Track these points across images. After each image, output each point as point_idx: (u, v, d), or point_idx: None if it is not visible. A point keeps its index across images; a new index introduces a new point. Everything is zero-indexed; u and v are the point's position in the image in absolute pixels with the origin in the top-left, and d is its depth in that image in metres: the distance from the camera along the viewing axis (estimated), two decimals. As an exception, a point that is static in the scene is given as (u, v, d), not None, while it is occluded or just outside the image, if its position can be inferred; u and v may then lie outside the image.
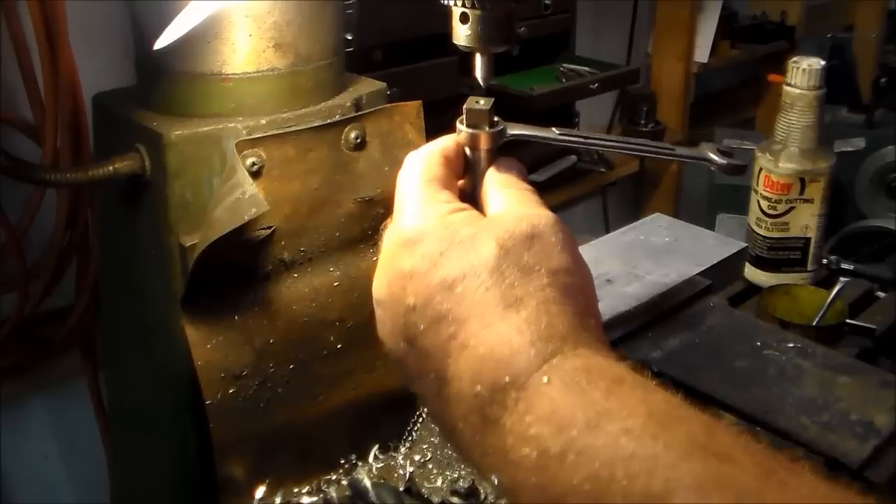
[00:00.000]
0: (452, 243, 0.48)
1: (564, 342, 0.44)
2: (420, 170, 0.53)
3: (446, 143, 0.55)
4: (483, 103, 0.54)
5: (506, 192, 0.53)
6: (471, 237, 0.48)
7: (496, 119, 0.55)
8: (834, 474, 0.63)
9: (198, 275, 0.64)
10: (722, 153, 0.65)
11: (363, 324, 0.71)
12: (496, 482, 0.44)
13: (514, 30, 0.56)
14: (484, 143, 0.54)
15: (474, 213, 0.51)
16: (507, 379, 0.43)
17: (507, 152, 0.56)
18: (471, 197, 0.55)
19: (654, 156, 0.67)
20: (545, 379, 0.43)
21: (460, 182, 0.55)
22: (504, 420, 0.43)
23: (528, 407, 0.42)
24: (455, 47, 0.57)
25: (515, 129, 0.56)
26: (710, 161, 0.66)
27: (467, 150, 0.55)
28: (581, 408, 0.41)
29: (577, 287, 0.48)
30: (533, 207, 0.51)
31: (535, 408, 0.42)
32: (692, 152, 0.67)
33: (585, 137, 0.62)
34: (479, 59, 0.56)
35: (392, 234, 0.51)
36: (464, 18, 0.54)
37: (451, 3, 0.54)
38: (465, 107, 0.54)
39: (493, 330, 0.45)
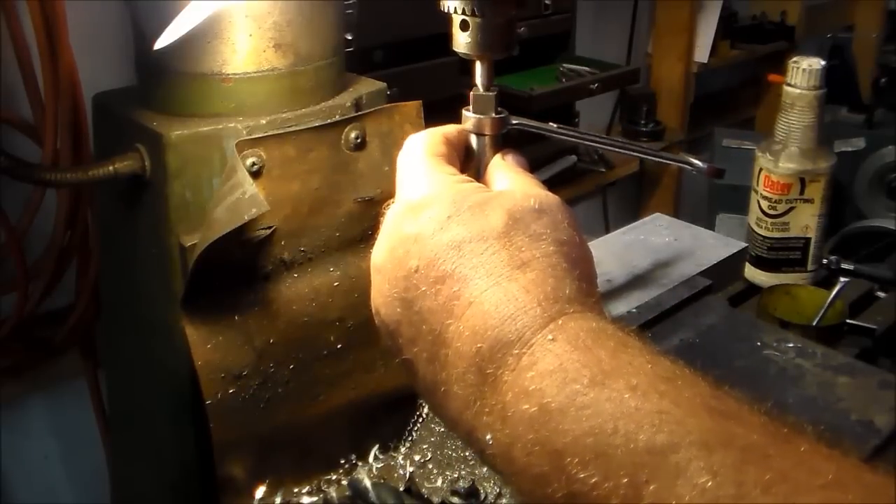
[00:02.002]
0: (461, 209, 0.48)
1: (571, 304, 0.44)
2: (424, 146, 0.53)
3: (447, 127, 0.56)
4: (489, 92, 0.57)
5: (512, 174, 0.54)
6: (480, 204, 0.48)
7: (500, 108, 0.57)
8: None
9: (198, 275, 0.64)
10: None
11: (363, 324, 0.71)
12: (489, 440, 0.43)
13: (514, 37, 0.56)
14: (489, 129, 0.56)
15: (482, 185, 0.52)
16: (511, 336, 0.43)
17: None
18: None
19: (642, 156, 0.71)
20: (550, 337, 0.42)
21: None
22: (505, 376, 0.42)
23: (531, 362, 0.42)
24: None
25: (516, 120, 0.58)
26: (692, 165, 0.71)
27: (473, 138, 0.57)
28: (586, 365, 0.41)
29: (582, 259, 0.48)
30: (540, 188, 0.52)
31: (539, 363, 0.42)
32: (675, 156, 0.74)
33: (580, 133, 0.67)
34: (479, 67, 0.56)
35: (397, 204, 0.51)
36: (464, 26, 0.54)
37: (452, 10, 0.54)
38: (471, 93, 0.56)
39: (500, 288, 0.44)
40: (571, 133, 0.65)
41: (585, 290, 0.46)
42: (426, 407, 0.78)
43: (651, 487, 0.36)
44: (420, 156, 0.53)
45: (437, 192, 0.50)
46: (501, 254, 0.46)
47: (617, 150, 0.70)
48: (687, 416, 0.38)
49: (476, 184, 0.52)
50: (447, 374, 0.46)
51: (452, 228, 0.47)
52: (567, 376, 0.40)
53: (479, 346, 0.44)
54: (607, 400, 0.39)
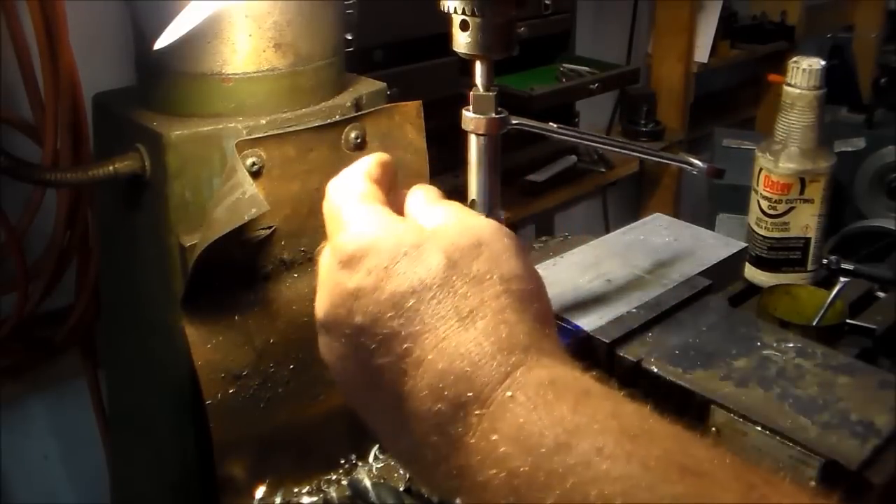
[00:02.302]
0: (398, 255, 0.45)
1: (526, 353, 0.43)
2: (350, 188, 0.51)
3: (366, 163, 0.53)
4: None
5: (439, 206, 0.51)
6: (416, 248, 0.46)
7: (500, 108, 0.57)
8: (826, 481, 0.62)
9: (198, 275, 0.64)
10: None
11: (363, 324, 0.71)
12: (458, 502, 0.42)
13: (514, 37, 0.56)
14: (489, 129, 0.56)
15: (415, 223, 0.49)
16: (469, 395, 0.41)
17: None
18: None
19: (642, 156, 0.71)
20: (509, 394, 0.41)
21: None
22: (468, 439, 0.41)
23: (492, 425, 0.40)
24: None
25: (516, 120, 0.59)
26: (692, 164, 0.71)
27: (473, 138, 0.57)
28: (549, 425, 0.39)
29: (531, 293, 0.47)
30: (472, 217, 0.49)
31: (501, 426, 0.40)
32: (675, 156, 0.75)
33: (580, 133, 0.66)
34: (479, 66, 0.56)
35: (332, 254, 0.48)
36: (464, 26, 0.54)
37: (452, 10, 0.54)
38: (471, 94, 0.57)
39: (450, 343, 0.43)
40: (571, 133, 0.66)
41: (539, 330, 0.45)
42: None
43: None
44: (345, 199, 0.50)
45: (371, 239, 0.47)
46: (446, 303, 0.44)
47: (617, 150, 0.70)
48: (658, 481, 0.36)
49: (407, 224, 0.48)
50: (411, 435, 0.44)
51: (392, 280, 0.45)
52: (531, 440, 0.39)
53: (438, 406, 0.42)
54: (574, 464, 0.38)
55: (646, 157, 0.74)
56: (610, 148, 0.70)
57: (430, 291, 0.44)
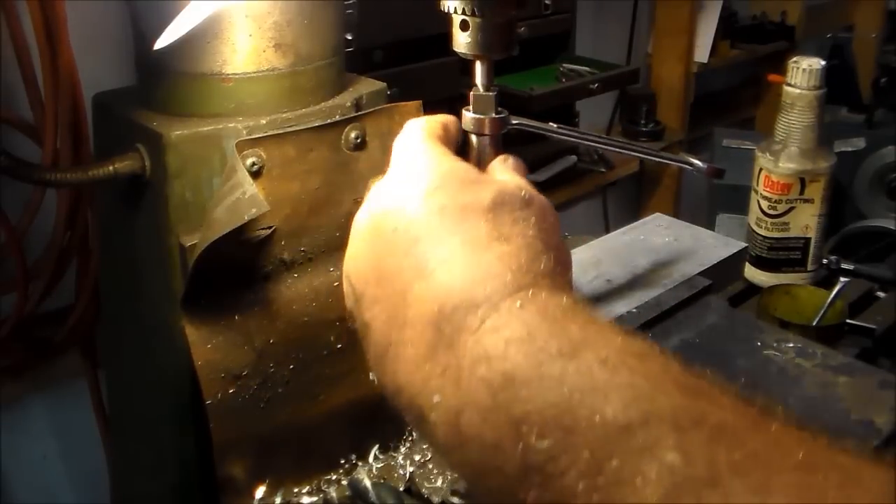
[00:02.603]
0: (452, 181, 0.48)
1: (543, 278, 0.44)
2: (422, 128, 0.54)
3: (446, 116, 0.57)
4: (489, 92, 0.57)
5: (510, 174, 0.54)
6: (471, 181, 0.49)
7: (500, 108, 0.57)
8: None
9: (198, 275, 0.64)
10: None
11: (363, 324, 0.71)
12: (436, 401, 0.41)
13: (514, 37, 0.56)
14: (489, 129, 0.57)
15: (477, 168, 0.53)
16: (477, 298, 0.42)
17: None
18: None
19: (640, 156, 0.71)
20: (519, 304, 0.41)
21: None
22: (464, 337, 0.41)
23: (496, 326, 0.41)
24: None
25: (516, 120, 0.59)
26: (692, 165, 0.72)
27: (473, 138, 0.57)
28: (555, 335, 0.39)
29: (559, 250, 0.48)
30: (533, 189, 0.52)
31: (504, 329, 0.40)
32: (675, 157, 0.75)
33: (581, 133, 0.66)
34: (479, 67, 0.56)
35: (387, 176, 0.51)
36: (464, 26, 0.54)
37: (452, 10, 0.54)
38: (471, 94, 0.57)
39: (474, 255, 0.44)
40: (572, 133, 0.66)
41: (560, 272, 0.46)
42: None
43: (614, 463, 0.35)
44: (417, 136, 0.53)
45: (431, 165, 0.50)
46: (482, 225, 0.46)
47: (617, 150, 0.70)
48: (657, 392, 0.37)
49: (470, 165, 0.52)
50: (402, 334, 0.44)
51: (439, 196, 0.47)
52: (534, 345, 0.39)
53: (441, 304, 0.43)
54: (575, 371, 0.38)
55: (646, 157, 0.75)
56: (610, 148, 0.70)
57: (470, 213, 0.46)
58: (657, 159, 0.75)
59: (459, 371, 0.41)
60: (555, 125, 0.61)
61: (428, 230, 0.46)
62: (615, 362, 0.38)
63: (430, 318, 0.43)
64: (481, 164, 0.57)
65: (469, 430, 0.40)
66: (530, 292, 0.42)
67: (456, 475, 0.73)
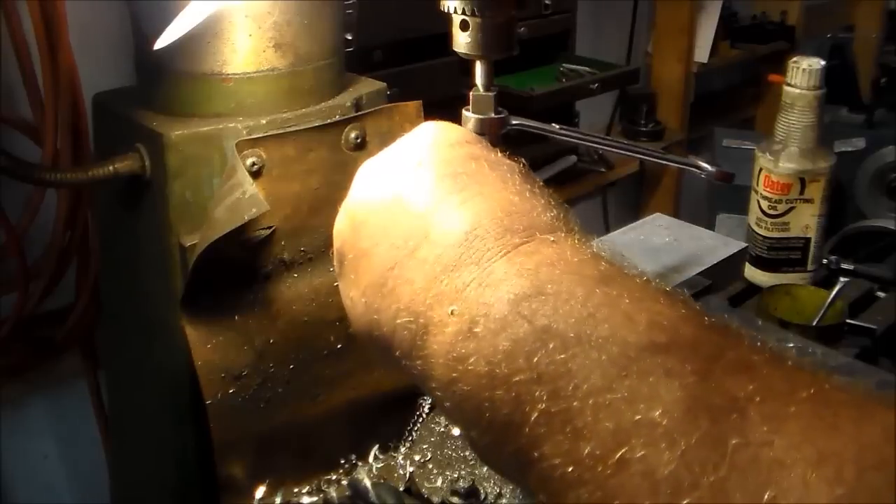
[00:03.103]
0: (483, 143, 0.51)
1: (574, 225, 0.46)
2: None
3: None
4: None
5: None
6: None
7: (500, 108, 0.57)
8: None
9: (198, 275, 0.64)
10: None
11: (363, 324, 0.71)
12: (451, 310, 0.41)
13: (514, 37, 0.56)
14: (489, 129, 0.57)
15: None
16: (515, 226, 0.43)
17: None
18: None
19: (647, 158, 0.69)
20: (552, 238, 0.42)
21: None
22: (494, 256, 0.41)
23: (530, 251, 0.41)
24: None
25: (516, 120, 0.58)
26: (700, 168, 0.71)
27: None
28: (586, 264, 0.41)
29: None
30: None
31: (538, 253, 0.41)
32: (683, 159, 0.71)
33: (584, 135, 0.67)
34: (479, 67, 0.56)
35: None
36: (464, 26, 0.54)
37: (452, 10, 0.54)
38: (471, 94, 0.57)
39: (516, 192, 0.45)
40: (572, 134, 0.65)
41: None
42: (426, 407, 0.78)
43: (626, 382, 0.34)
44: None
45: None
46: (514, 174, 0.47)
47: (618, 151, 0.69)
48: (681, 322, 0.37)
49: None
50: (415, 254, 0.44)
51: (468, 147, 0.49)
52: (567, 267, 0.40)
53: (473, 226, 0.43)
54: (603, 294, 0.38)
55: (654, 160, 0.73)
56: (612, 149, 0.69)
57: (504, 165, 0.49)
58: (665, 162, 0.74)
59: (483, 286, 0.41)
60: (557, 126, 0.61)
61: (461, 169, 0.47)
62: (641, 294, 0.38)
63: (456, 239, 0.43)
64: None
65: (481, 342, 0.39)
66: (563, 234, 0.43)
67: (455, 475, 0.73)
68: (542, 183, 0.49)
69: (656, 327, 0.36)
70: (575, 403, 0.35)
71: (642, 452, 0.33)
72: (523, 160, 0.52)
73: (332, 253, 0.53)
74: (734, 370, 0.34)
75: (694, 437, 0.32)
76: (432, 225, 0.45)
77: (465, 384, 0.40)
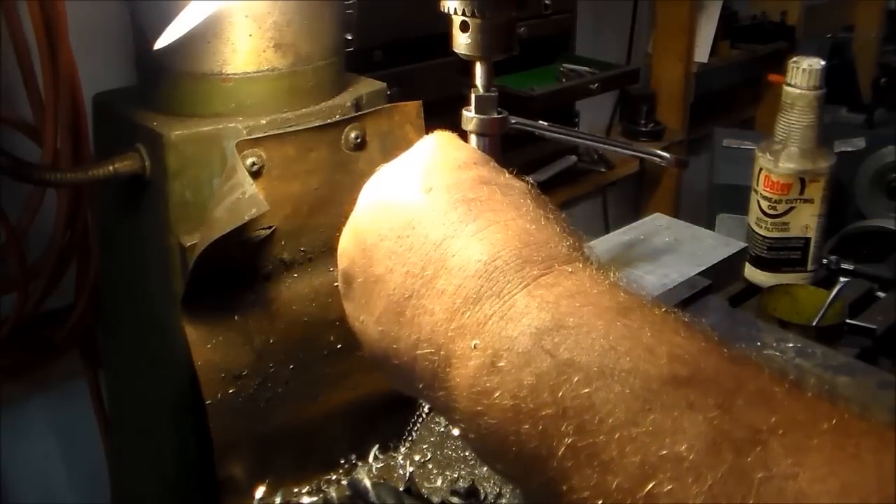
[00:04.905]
0: (492, 164, 0.51)
1: (588, 256, 0.46)
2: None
3: None
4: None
5: None
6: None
7: (500, 108, 0.58)
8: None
9: (198, 275, 0.64)
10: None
11: (363, 324, 0.71)
12: (474, 343, 0.41)
13: (514, 37, 0.56)
14: (490, 129, 0.57)
15: None
16: (534, 258, 0.43)
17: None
18: None
19: (610, 149, 0.80)
20: (570, 269, 0.42)
21: None
22: (514, 289, 0.41)
23: (549, 283, 0.41)
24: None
25: (515, 120, 0.60)
26: (660, 157, 0.79)
27: (473, 138, 0.57)
28: (605, 295, 0.41)
29: None
30: None
31: (558, 285, 0.41)
32: (644, 149, 0.87)
33: (568, 131, 0.71)
34: (479, 67, 0.57)
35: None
36: (464, 27, 0.54)
37: (452, 11, 0.54)
38: (473, 94, 0.57)
39: (534, 220, 0.45)
40: (562, 132, 0.67)
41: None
42: (426, 407, 0.78)
43: (652, 416, 0.35)
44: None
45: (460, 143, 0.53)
46: (526, 198, 0.47)
47: (588, 142, 0.76)
48: (702, 355, 0.37)
49: None
50: (432, 284, 0.44)
51: (476, 170, 0.49)
52: (586, 300, 0.40)
53: (492, 257, 0.43)
54: (624, 326, 0.38)
55: (617, 150, 0.82)
56: (581, 141, 0.75)
57: (515, 190, 0.49)
58: (629, 152, 0.82)
59: (505, 319, 0.41)
60: (545, 124, 0.63)
61: (474, 195, 0.46)
62: (661, 325, 0.39)
63: (475, 270, 0.43)
64: None
65: (506, 377, 0.39)
66: (581, 264, 0.44)
67: (455, 475, 0.73)
68: (553, 206, 0.49)
69: (677, 360, 0.37)
70: (601, 437, 0.35)
71: (670, 486, 0.33)
72: (531, 179, 0.52)
73: (339, 273, 0.53)
74: (756, 402, 0.35)
75: (720, 470, 0.32)
76: (449, 254, 0.45)
77: (490, 418, 0.40)
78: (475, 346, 0.41)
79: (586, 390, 0.36)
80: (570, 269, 0.42)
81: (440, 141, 0.53)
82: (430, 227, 0.46)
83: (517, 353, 0.39)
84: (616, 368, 0.36)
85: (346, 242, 0.52)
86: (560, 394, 0.37)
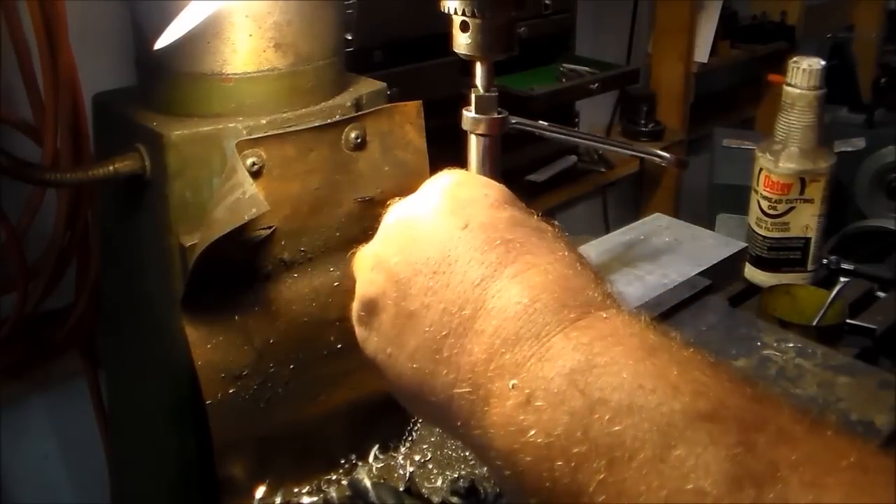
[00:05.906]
0: (517, 202, 0.52)
1: (618, 302, 0.47)
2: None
3: None
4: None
5: None
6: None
7: (500, 108, 0.58)
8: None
9: (198, 275, 0.64)
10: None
11: (363, 324, 0.71)
12: (512, 384, 0.43)
13: (514, 37, 0.56)
14: (490, 129, 0.57)
15: None
16: (571, 303, 0.44)
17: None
18: None
19: (611, 149, 0.79)
20: (605, 315, 0.44)
21: None
22: (552, 331, 0.43)
23: (584, 326, 0.43)
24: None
25: (515, 119, 0.60)
26: (660, 157, 0.80)
27: (473, 138, 0.57)
28: (636, 335, 0.42)
29: None
30: None
31: (592, 329, 0.42)
32: (644, 149, 0.88)
33: (568, 131, 0.71)
34: (479, 67, 0.57)
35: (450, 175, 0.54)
36: (464, 27, 0.54)
37: (452, 11, 0.54)
38: (473, 94, 0.57)
39: (567, 265, 0.46)
40: (563, 133, 0.68)
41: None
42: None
43: (677, 452, 0.36)
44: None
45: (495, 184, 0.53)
46: (559, 242, 0.48)
47: (586, 141, 0.75)
48: (725, 394, 0.38)
49: None
50: (471, 323, 0.45)
51: (510, 210, 0.50)
52: (617, 341, 0.41)
53: (532, 300, 0.44)
54: (652, 365, 0.40)
55: (616, 149, 0.82)
56: (583, 141, 0.74)
57: (544, 231, 0.50)
58: (629, 152, 0.83)
59: (542, 360, 0.42)
60: (544, 123, 0.63)
61: (508, 236, 0.47)
62: (687, 365, 0.41)
63: (515, 312, 0.44)
64: (482, 165, 0.57)
65: (541, 416, 0.41)
66: (615, 310, 0.45)
67: (455, 475, 0.73)
68: (579, 251, 0.50)
69: (702, 398, 0.38)
70: (630, 473, 0.37)
71: None
72: (556, 222, 0.53)
73: (360, 298, 0.53)
74: (777, 440, 0.36)
75: None
76: (488, 295, 0.45)
77: (526, 455, 0.41)
78: (513, 386, 0.42)
79: (617, 428, 0.38)
80: (604, 315, 0.44)
81: (465, 177, 0.53)
82: (468, 266, 0.47)
83: (552, 393, 0.41)
84: (644, 406, 0.38)
85: (374, 272, 0.52)
86: (592, 432, 0.39)
